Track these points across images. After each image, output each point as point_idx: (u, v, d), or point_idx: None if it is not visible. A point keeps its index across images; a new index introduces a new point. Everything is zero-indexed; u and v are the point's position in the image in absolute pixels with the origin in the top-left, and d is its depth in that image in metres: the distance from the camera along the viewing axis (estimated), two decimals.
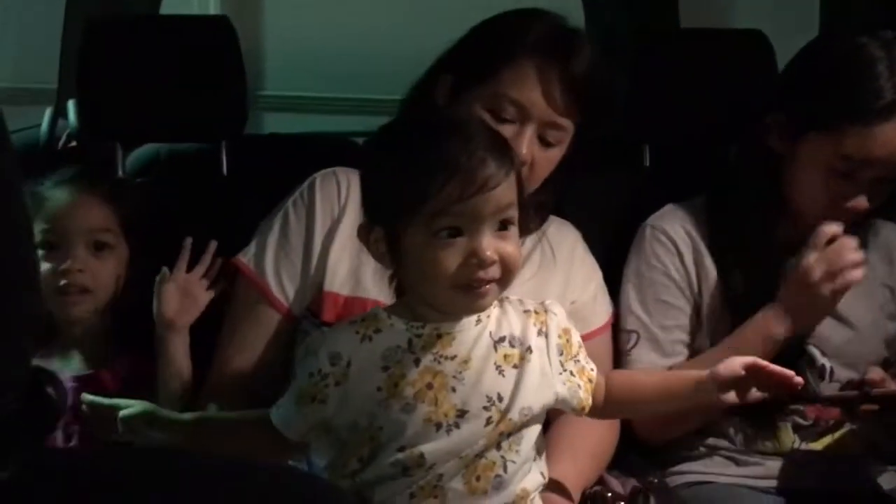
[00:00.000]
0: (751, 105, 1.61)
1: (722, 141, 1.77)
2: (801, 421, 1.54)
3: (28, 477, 0.52)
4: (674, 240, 1.58)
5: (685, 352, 1.56)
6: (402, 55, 1.89)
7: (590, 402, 1.21)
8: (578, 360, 1.21)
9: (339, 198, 1.44)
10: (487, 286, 1.12)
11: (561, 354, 1.19)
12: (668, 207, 1.62)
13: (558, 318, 1.21)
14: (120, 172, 1.77)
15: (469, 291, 1.11)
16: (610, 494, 1.39)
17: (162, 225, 1.54)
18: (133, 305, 1.47)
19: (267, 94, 3.42)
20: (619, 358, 1.55)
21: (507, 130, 1.33)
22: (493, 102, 1.38)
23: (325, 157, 1.54)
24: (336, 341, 1.15)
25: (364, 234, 1.17)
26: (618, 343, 1.56)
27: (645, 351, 1.55)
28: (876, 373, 1.47)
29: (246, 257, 1.45)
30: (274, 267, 1.43)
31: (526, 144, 1.37)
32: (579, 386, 1.20)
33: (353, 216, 1.41)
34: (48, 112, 2.13)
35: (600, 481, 1.45)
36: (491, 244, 1.10)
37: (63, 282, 1.42)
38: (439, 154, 1.11)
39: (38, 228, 1.43)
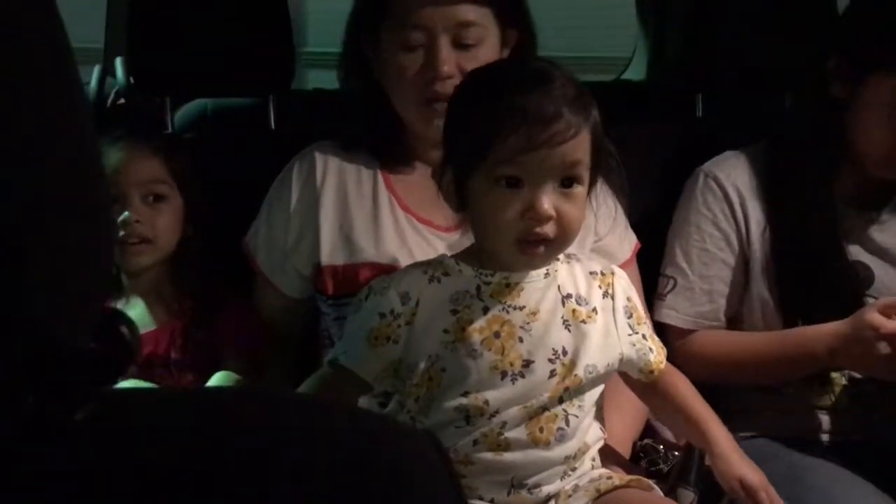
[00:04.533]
0: (807, 49, 1.57)
1: (777, 87, 1.73)
2: (856, 375, 1.51)
3: (103, 417, 0.52)
4: (725, 188, 1.55)
5: (722, 304, 1.54)
6: None
7: (662, 365, 1.20)
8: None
9: (316, 175, 1.43)
10: (541, 245, 1.09)
11: (630, 317, 1.18)
12: (727, 154, 1.60)
13: (624, 283, 1.19)
14: (169, 128, 1.78)
15: (522, 246, 1.10)
16: (662, 447, 1.38)
17: (214, 178, 1.54)
18: (195, 257, 1.49)
19: (309, 51, 3.40)
20: (653, 300, 1.54)
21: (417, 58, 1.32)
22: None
23: (367, 111, 1.52)
24: (404, 281, 1.15)
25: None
26: (656, 285, 1.56)
27: (680, 299, 1.54)
28: None
29: (247, 242, 1.48)
30: (267, 261, 1.46)
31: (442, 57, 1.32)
32: (651, 349, 1.19)
33: (333, 187, 1.42)
34: (96, 70, 2.14)
35: (652, 431, 1.43)
36: (551, 200, 1.08)
37: (122, 233, 1.44)
38: (514, 101, 1.08)
39: None
